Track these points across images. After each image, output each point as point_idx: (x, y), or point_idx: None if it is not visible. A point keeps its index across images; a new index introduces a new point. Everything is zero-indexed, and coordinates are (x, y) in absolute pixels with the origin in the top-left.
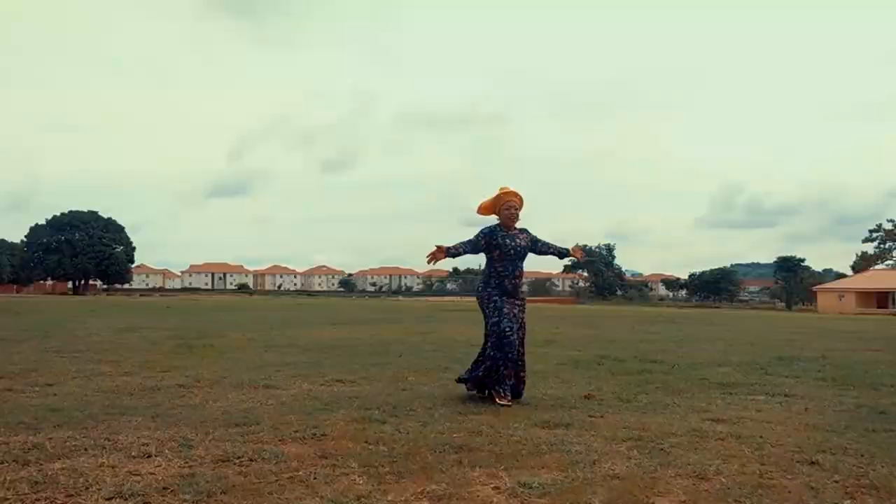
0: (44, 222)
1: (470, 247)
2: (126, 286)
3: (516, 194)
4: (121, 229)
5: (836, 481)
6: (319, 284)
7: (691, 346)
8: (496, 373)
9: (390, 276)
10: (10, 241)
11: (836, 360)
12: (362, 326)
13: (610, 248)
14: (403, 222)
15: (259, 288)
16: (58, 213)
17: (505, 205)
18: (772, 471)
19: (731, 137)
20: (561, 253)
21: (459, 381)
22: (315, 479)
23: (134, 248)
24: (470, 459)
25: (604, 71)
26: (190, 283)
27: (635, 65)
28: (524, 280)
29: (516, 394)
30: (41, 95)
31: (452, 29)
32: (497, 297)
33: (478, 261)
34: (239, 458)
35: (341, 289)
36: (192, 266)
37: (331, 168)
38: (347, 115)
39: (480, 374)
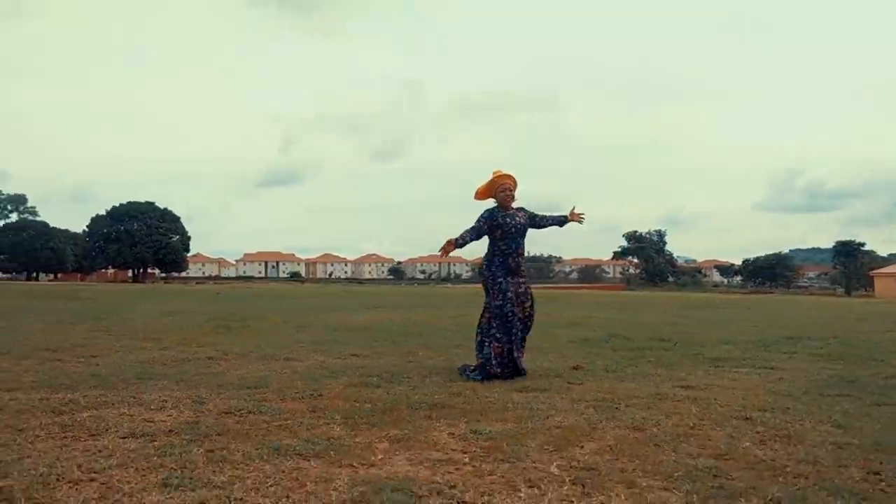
0: (104, 213)
1: (474, 233)
2: (183, 274)
3: (509, 176)
4: (176, 219)
5: (757, 432)
6: (370, 272)
7: (712, 328)
8: (508, 357)
9: (440, 263)
10: (73, 230)
11: (849, 339)
12: (399, 311)
13: (661, 234)
14: (452, 210)
15: (311, 276)
16: (117, 204)
17: (500, 187)
18: (705, 424)
19: (789, 121)
20: (560, 221)
21: (470, 376)
22: (300, 426)
23: (189, 238)
24: (440, 414)
25: (658, 56)
26: (244, 272)
27: (690, 49)
28: (573, 264)
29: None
30: (98, 89)
31: (502, 14)
32: (501, 279)
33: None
34: (240, 411)
35: (391, 276)
36: (246, 255)
37: (380, 156)
38: (397, 103)
39: (494, 363)
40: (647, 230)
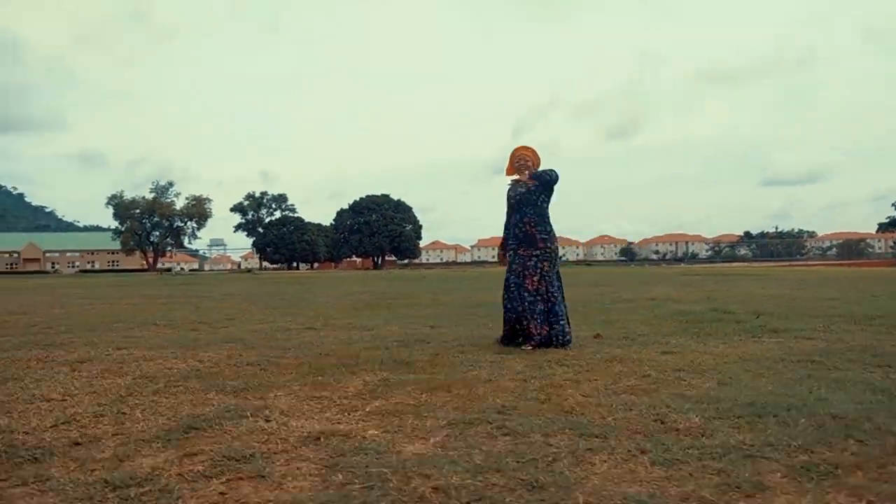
0: (346, 207)
1: (505, 226)
2: (423, 259)
3: (527, 148)
4: (409, 209)
5: (628, 385)
6: (602, 254)
7: (852, 304)
8: (517, 325)
9: (676, 243)
10: (324, 224)
11: None
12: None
13: None
14: (694, 186)
15: None
16: (357, 198)
17: (516, 160)
18: (592, 380)
19: None
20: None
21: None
22: (265, 374)
23: (420, 226)
24: (388, 367)
25: None
26: (478, 257)
27: None
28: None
29: (547, 341)
30: (346, 96)
31: None
32: (512, 252)
33: (773, 223)
34: (245, 363)
35: (623, 258)
36: (479, 241)
37: (616, 135)
38: (633, 79)
39: (507, 330)
40: None
